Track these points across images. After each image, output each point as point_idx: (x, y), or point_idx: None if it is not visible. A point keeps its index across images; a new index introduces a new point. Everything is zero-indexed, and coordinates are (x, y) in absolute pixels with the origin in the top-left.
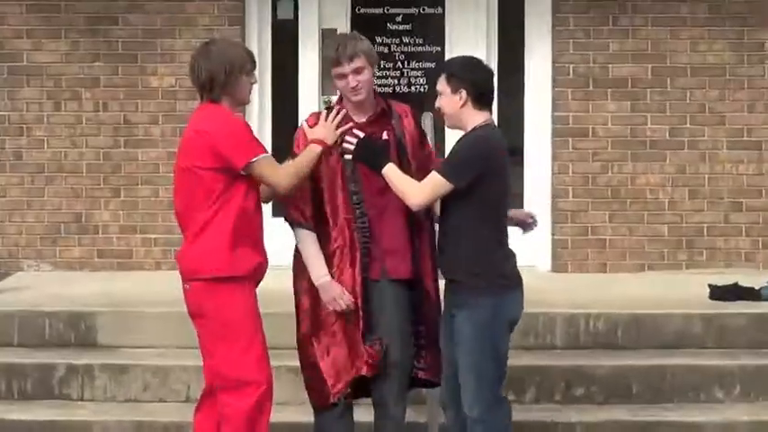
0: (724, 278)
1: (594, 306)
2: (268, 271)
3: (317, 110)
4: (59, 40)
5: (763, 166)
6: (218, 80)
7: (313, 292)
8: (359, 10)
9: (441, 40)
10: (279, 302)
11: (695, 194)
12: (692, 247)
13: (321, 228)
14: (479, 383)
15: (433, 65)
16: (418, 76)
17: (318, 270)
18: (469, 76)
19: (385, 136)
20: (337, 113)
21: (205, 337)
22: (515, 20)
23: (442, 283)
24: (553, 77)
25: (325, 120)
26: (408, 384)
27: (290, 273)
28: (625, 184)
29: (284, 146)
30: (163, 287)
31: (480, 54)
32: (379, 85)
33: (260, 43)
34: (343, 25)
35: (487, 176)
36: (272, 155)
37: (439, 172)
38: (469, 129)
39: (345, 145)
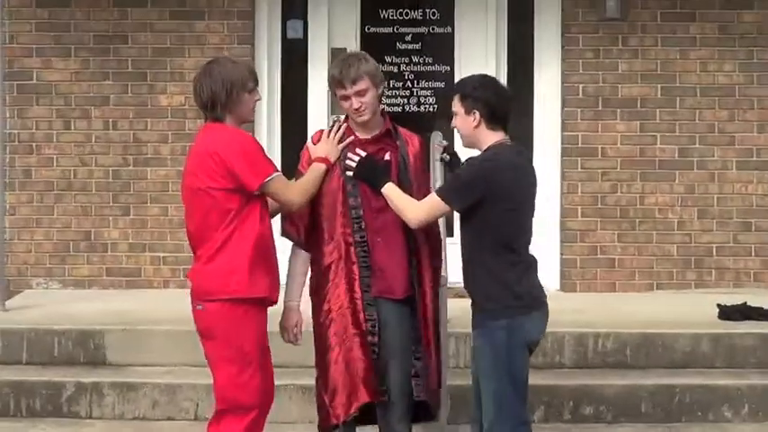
0: (733, 298)
1: (603, 325)
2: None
3: (325, 128)
4: (69, 58)
5: None
6: (220, 99)
7: (317, 311)
8: (368, 29)
9: (450, 60)
10: None
11: (704, 214)
12: (701, 266)
13: (317, 242)
14: (499, 410)
15: (442, 84)
16: (427, 96)
17: (292, 292)
18: (483, 96)
19: (387, 156)
20: (338, 129)
21: (212, 358)
22: (525, 40)
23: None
24: (562, 97)
25: (327, 136)
26: (411, 405)
27: None
28: (634, 203)
29: (293, 164)
30: (172, 305)
31: (489, 73)
32: (389, 105)
33: (270, 62)
34: (352, 45)
35: (489, 200)
36: (282, 172)
37: (439, 193)
38: (484, 148)
39: (347, 162)
